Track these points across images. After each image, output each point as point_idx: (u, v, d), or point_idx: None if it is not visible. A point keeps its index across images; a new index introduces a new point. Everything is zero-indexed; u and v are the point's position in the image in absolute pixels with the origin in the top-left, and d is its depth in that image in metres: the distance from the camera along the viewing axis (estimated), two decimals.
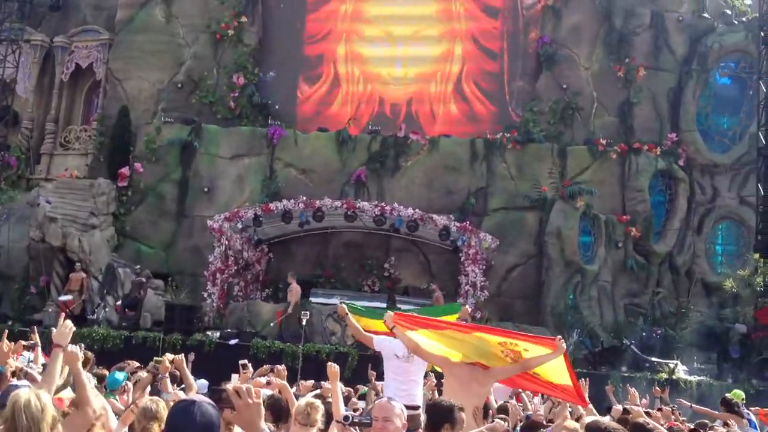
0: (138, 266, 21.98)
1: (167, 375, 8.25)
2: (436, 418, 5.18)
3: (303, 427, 5.60)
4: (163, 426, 5.25)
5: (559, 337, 7.68)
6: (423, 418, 8.31)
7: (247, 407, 3.14)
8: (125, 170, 24.44)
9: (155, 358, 9.18)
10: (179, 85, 25.98)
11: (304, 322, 17.04)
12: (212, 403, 3.21)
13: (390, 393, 8.12)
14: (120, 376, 9.01)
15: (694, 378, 18.42)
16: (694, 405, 11.69)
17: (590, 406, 8.05)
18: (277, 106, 25.98)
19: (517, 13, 25.90)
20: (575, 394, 7.68)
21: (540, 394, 9.96)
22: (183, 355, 8.16)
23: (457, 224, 21.18)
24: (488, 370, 7.47)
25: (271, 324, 16.94)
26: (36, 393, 2.75)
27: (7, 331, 10.24)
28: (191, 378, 8.05)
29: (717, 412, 10.37)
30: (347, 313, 9.04)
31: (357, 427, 4.27)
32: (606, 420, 4.66)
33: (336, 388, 6.61)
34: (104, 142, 25.79)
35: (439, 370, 8.37)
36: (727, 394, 10.03)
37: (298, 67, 26.54)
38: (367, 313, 10.25)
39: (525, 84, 25.29)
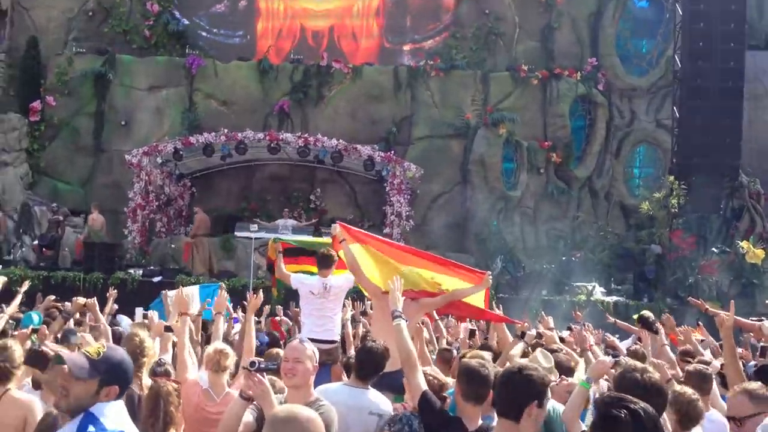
0: (55, 204, 21.30)
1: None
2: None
3: (215, 374, 5.56)
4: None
5: (489, 272, 8.20)
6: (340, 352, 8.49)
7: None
8: (37, 104, 23.43)
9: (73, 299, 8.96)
10: (90, 14, 24.79)
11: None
12: None
13: (306, 330, 8.22)
14: (35, 317, 8.83)
15: (611, 299, 19.03)
16: (618, 321, 12.21)
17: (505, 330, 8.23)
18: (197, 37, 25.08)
19: None
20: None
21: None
22: (95, 298, 8.00)
23: (382, 154, 21.10)
24: (417, 302, 7.57)
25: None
26: None
27: None
28: (104, 321, 7.90)
29: (635, 328, 10.76)
30: (280, 252, 9.24)
31: (264, 374, 4.14)
32: (516, 363, 4.61)
33: (250, 320, 6.40)
34: (13, 74, 24.61)
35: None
36: (644, 312, 10.32)
37: None
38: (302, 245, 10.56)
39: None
